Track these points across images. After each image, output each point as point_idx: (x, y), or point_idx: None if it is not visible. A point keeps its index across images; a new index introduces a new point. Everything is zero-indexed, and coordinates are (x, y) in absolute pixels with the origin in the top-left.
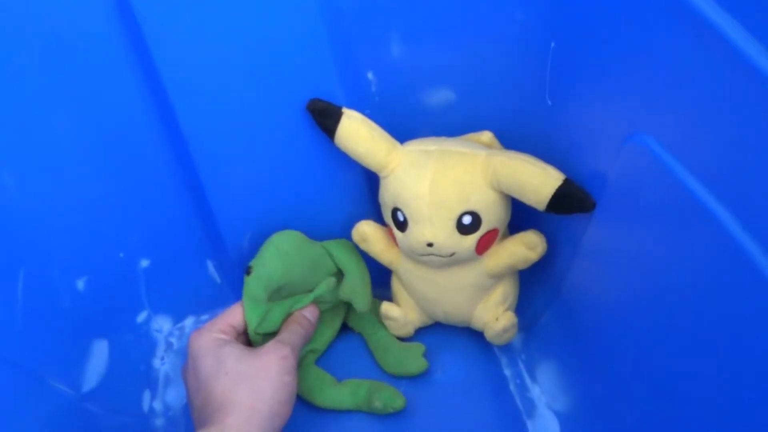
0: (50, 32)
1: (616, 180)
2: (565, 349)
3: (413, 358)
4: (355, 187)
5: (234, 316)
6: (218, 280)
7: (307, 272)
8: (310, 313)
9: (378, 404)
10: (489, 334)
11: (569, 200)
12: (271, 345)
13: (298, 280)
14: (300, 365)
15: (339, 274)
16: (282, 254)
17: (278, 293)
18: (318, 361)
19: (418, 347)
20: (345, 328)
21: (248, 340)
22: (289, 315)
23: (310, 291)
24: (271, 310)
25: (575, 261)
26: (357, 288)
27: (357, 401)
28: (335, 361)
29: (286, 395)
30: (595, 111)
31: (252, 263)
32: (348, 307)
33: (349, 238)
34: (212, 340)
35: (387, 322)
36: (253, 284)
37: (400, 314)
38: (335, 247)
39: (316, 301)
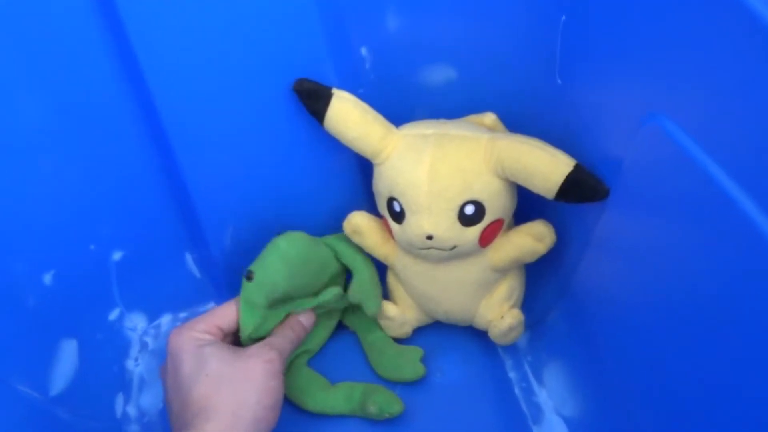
0: (14, 8)
1: (632, 165)
2: (574, 349)
3: (410, 363)
4: (346, 175)
5: (223, 317)
6: (198, 274)
7: (312, 277)
8: (306, 318)
9: (373, 409)
10: (493, 333)
11: (580, 187)
12: (257, 347)
13: (301, 286)
14: (290, 366)
15: (343, 273)
16: (287, 261)
17: (279, 299)
18: (310, 362)
19: (415, 351)
20: (339, 325)
21: (237, 341)
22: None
23: (313, 295)
24: (269, 317)
25: (586, 253)
26: (367, 289)
27: (351, 405)
28: (329, 362)
29: (271, 400)
30: (610, 91)
31: (253, 267)
32: (346, 306)
33: (339, 231)
34: (193, 339)
35: (383, 322)
36: (253, 291)
37: (398, 313)
38: (340, 244)
39: (317, 307)
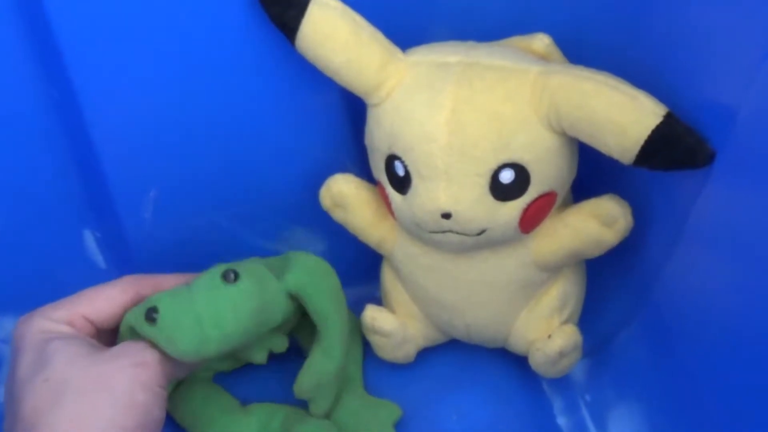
0: None
1: (750, 118)
2: (653, 385)
3: (377, 423)
4: (325, 121)
5: (93, 302)
6: (102, 263)
7: (248, 340)
8: None
9: None
10: (537, 360)
11: (673, 147)
12: (128, 345)
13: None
14: (188, 380)
15: (295, 312)
16: (203, 333)
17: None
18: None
19: (391, 410)
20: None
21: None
22: None
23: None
24: None
25: (677, 248)
26: (325, 381)
27: None
28: (240, 373)
29: (134, 420)
30: (718, 7)
31: (159, 303)
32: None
33: (313, 202)
34: (41, 330)
35: (374, 339)
36: (147, 332)
37: (396, 326)
38: (307, 286)
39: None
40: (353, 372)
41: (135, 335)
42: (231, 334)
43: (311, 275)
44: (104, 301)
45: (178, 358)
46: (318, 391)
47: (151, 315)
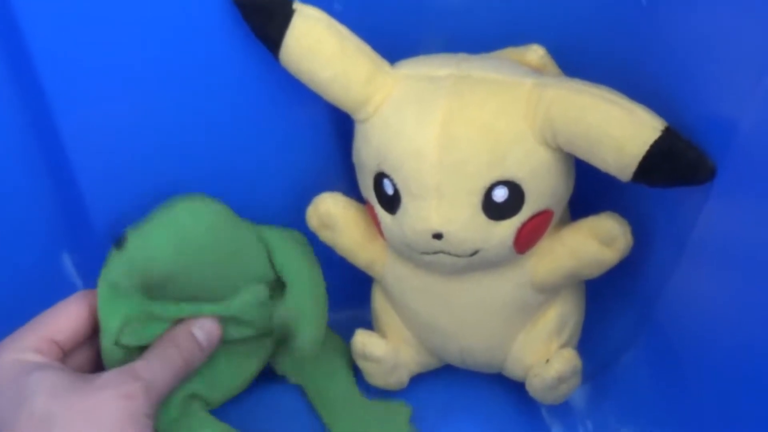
0: None
1: (751, 132)
2: (658, 412)
3: (392, 427)
4: (312, 137)
5: (56, 322)
6: (81, 287)
7: (221, 268)
8: (203, 329)
9: None
10: (534, 386)
11: (673, 162)
12: (113, 374)
13: (200, 276)
14: (172, 408)
15: (276, 284)
16: (180, 232)
17: (162, 290)
18: (217, 411)
19: (400, 409)
20: (269, 374)
21: (93, 358)
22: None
23: (222, 300)
24: (150, 314)
25: (680, 266)
26: (304, 308)
27: None
28: (252, 411)
29: None
30: (720, 18)
31: (128, 230)
32: (279, 340)
33: (299, 222)
34: (15, 363)
35: (364, 365)
36: (118, 264)
37: (388, 352)
38: (276, 237)
39: (223, 319)
40: (349, 388)
41: (115, 349)
42: (183, 256)
43: (282, 232)
44: (66, 320)
45: (143, 264)
46: (297, 319)
47: (120, 242)
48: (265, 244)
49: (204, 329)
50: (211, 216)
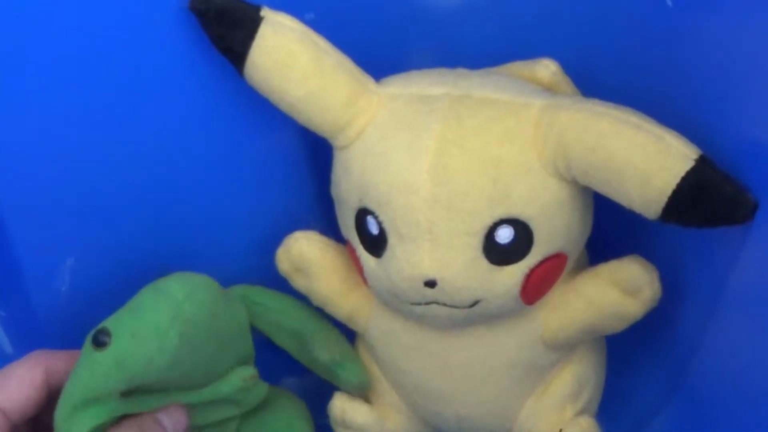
0: None
1: None
2: None
3: None
4: (282, 168)
5: (5, 390)
6: (8, 346)
7: (209, 356)
8: (171, 417)
9: None
10: None
11: (707, 198)
12: None
13: (188, 369)
14: None
15: (252, 355)
16: (180, 322)
17: (147, 382)
18: None
19: None
20: None
21: (46, 425)
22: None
23: (201, 385)
24: (124, 412)
25: (716, 318)
26: (333, 353)
27: None
28: None
29: None
30: (758, 30)
31: (110, 324)
32: (241, 418)
33: (268, 267)
34: None
35: None
36: (103, 369)
37: (371, 419)
38: (271, 299)
39: (191, 404)
40: None
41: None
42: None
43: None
44: (15, 386)
45: (139, 371)
46: (338, 355)
47: (101, 338)
48: (259, 310)
49: (172, 416)
50: (206, 296)
